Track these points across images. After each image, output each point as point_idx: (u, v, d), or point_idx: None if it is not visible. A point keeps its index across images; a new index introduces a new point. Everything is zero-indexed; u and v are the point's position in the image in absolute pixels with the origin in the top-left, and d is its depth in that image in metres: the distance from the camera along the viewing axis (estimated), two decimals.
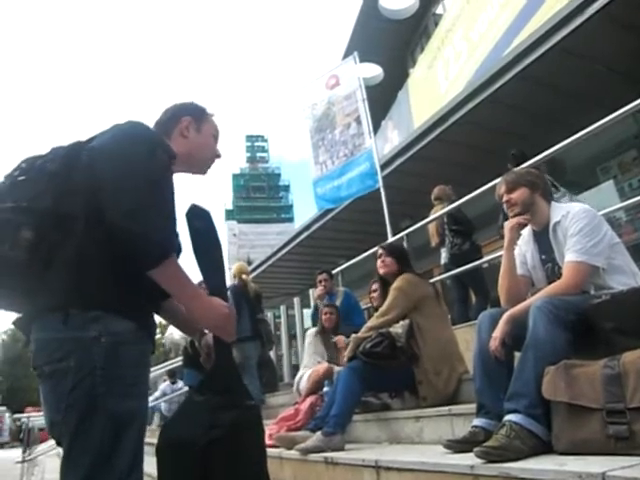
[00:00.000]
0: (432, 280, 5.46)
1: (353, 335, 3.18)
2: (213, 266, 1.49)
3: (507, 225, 2.35)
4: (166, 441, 1.37)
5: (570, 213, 2.12)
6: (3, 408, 31.35)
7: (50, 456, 8.24)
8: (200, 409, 1.38)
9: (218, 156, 1.65)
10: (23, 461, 7.29)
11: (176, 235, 1.38)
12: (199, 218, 1.47)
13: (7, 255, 1.17)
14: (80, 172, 1.24)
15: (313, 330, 4.46)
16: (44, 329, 1.23)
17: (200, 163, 1.61)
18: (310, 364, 4.21)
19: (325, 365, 3.90)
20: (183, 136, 1.53)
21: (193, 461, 1.31)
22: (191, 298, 1.30)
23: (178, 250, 1.43)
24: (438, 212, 5.19)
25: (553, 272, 2.20)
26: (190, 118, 1.55)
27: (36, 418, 8.72)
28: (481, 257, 4.87)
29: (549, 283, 2.15)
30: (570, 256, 2.03)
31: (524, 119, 6.68)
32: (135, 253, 1.20)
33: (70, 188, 1.23)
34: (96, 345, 1.20)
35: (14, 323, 1.33)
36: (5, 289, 1.24)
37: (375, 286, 3.78)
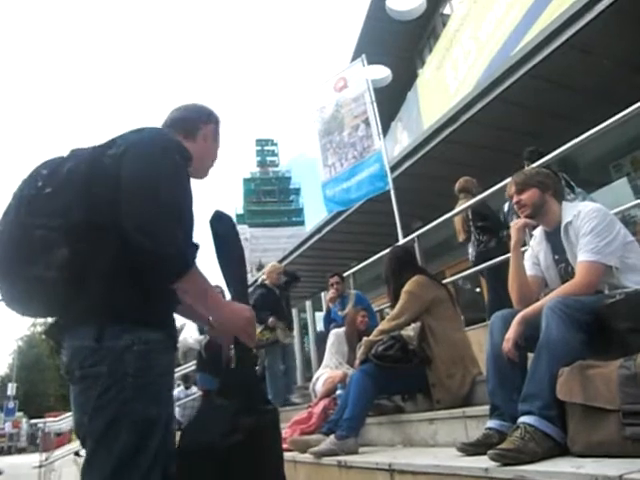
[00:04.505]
0: (454, 278, 5.46)
1: (365, 338, 3.17)
2: (235, 271, 1.50)
3: (513, 226, 2.34)
4: (186, 445, 1.37)
5: (581, 213, 2.09)
6: (20, 414, 31.72)
7: (67, 461, 8.32)
8: (220, 413, 1.38)
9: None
10: (40, 466, 7.38)
11: (194, 244, 1.38)
12: (222, 223, 1.49)
13: (42, 275, 1.18)
14: (105, 182, 1.23)
15: (338, 330, 4.44)
16: (78, 338, 1.23)
17: (205, 169, 1.63)
18: (332, 364, 4.21)
19: (340, 373, 3.90)
20: (205, 141, 1.56)
21: (213, 465, 1.31)
22: (215, 307, 1.34)
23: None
24: (463, 205, 4.90)
25: (567, 272, 2.17)
26: (215, 126, 1.60)
27: (52, 423, 8.80)
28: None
29: (562, 283, 2.13)
30: (582, 256, 2.01)
31: (534, 118, 6.63)
32: (152, 268, 1.21)
33: (97, 200, 1.22)
34: (128, 353, 1.22)
35: (45, 332, 1.34)
36: (39, 304, 1.25)
37: None
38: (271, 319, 5.55)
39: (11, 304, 1.28)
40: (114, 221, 1.19)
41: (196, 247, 1.30)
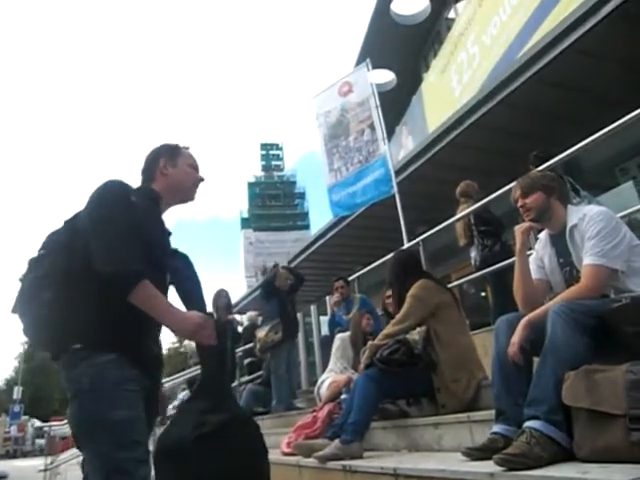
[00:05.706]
0: (459, 282, 5.44)
1: (370, 342, 3.16)
2: (190, 297, 1.75)
3: (518, 229, 2.31)
4: (160, 446, 1.55)
5: (587, 216, 2.09)
6: (26, 417, 31.76)
7: (72, 465, 8.34)
8: (190, 412, 1.58)
9: (201, 180, 1.90)
10: (45, 469, 7.42)
11: (154, 261, 1.62)
12: (177, 259, 1.78)
13: (39, 314, 1.50)
14: (79, 237, 1.55)
15: (343, 335, 4.44)
16: (60, 365, 1.55)
17: (184, 191, 1.87)
18: (336, 369, 4.21)
19: (345, 377, 3.89)
20: (163, 174, 1.81)
21: (184, 461, 1.47)
22: (165, 313, 1.55)
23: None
24: (464, 210, 4.87)
25: (571, 276, 2.17)
26: (165, 158, 1.83)
27: (58, 427, 8.83)
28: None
29: (567, 287, 2.12)
30: (588, 259, 2.00)
31: (539, 121, 6.62)
32: (112, 286, 1.47)
33: (75, 253, 1.53)
34: (85, 376, 1.48)
35: (51, 358, 1.63)
36: (44, 338, 1.57)
37: (390, 292, 3.74)
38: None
39: (31, 341, 1.63)
40: (87, 266, 1.47)
41: (148, 265, 1.53)
